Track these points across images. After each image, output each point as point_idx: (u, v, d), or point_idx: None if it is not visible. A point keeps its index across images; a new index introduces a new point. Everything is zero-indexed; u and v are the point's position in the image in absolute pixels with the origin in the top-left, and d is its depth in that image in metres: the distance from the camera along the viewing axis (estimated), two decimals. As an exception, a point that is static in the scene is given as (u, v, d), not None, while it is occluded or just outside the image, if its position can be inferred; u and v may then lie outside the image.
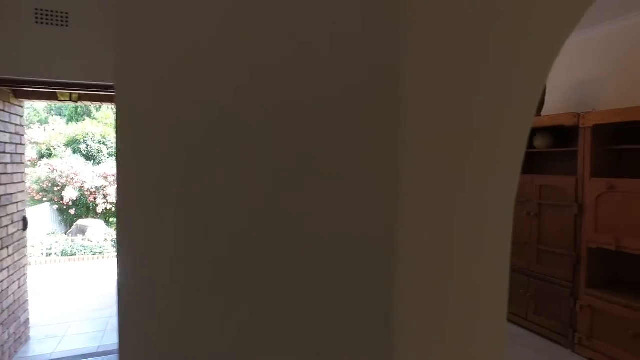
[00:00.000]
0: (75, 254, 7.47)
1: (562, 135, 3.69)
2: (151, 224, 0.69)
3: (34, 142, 10.57)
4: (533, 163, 4.18)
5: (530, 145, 3.95)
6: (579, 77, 3.78)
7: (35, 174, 9.74)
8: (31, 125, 11.27)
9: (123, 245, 0.72)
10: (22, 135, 3.47)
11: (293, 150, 0.57)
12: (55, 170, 9.69)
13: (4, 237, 3.09)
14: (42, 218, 8.98)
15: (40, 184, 9.68)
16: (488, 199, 0.65)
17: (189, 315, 0.67)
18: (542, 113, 3.80)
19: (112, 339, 3.71)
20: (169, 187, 0.67)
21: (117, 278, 0.73)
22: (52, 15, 2.68)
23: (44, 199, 9.71)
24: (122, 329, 0.69)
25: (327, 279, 0.57)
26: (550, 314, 3.57)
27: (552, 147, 3.78)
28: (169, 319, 0.68)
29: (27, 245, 3.58)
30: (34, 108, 12.44)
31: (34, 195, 9.57)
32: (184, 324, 0.67)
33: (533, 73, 0.64)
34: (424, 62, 0.52)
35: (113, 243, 8.05)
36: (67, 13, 2.71)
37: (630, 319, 2.93)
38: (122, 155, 0.71)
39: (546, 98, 4.00)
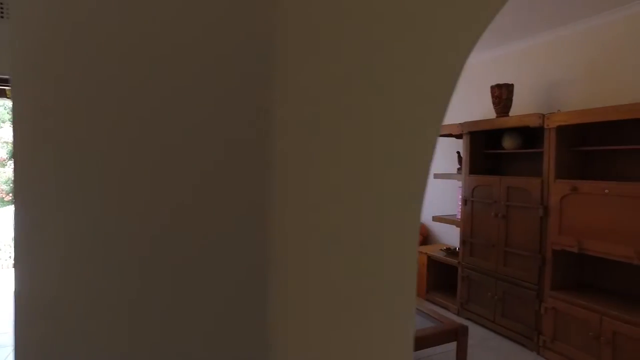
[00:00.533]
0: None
1: (531, 135, 3.68)
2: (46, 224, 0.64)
3: (4, 142, 10.25)
4: (502, 164, 4.17)
5: (499, 145, 3.94)
6: (548, 78, 3.77)
7: (4, 174, 9.43)
8: (2, 124, 10.93)
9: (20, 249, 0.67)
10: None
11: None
12: (25, 171, 9.37)
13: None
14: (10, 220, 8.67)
15: (10, 185, 9.37)
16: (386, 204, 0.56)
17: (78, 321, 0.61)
18: (510, 114, 3.78)
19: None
20: (63, 189, 0.61)
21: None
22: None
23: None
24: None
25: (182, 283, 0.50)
26: (517, 316, 3.54)
27: (521, 147, 3.76)
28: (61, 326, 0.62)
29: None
30: (6, 106, 12.06)
31: (3, 196, 9.26)
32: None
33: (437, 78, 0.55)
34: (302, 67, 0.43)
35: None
36: None
37: (590, 321, 2.91)
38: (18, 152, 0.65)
39: (516, 98, 3.99)
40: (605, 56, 3.29)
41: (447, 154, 4.58)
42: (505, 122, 3.62)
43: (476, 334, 3.77)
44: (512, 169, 4.06)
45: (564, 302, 3.12)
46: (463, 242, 4.12)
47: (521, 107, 3.94)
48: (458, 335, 2.85)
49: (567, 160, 3.27)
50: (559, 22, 3.49)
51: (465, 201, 4.09)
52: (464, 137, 4.12)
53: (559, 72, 3.66)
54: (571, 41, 3.57)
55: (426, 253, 4.61)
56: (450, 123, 4.28)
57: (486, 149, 4.08)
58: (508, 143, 3.83)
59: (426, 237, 5.29)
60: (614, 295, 3.07)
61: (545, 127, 3.25)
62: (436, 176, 4.63)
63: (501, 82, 3.77)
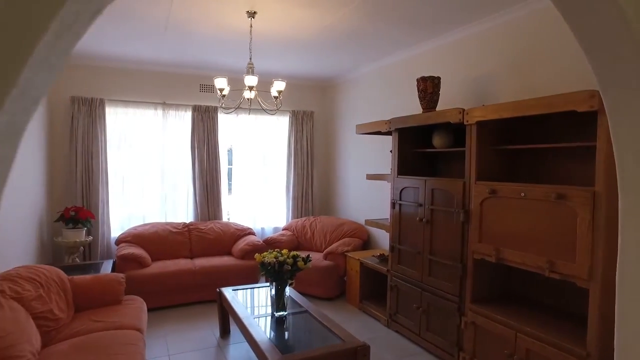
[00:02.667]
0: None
1: (462, 133, 3.37)
2: None
3: None
4: (438, 164, 3.87)
5: (429, 144, 3.63)
6: (477, 72, 3.48)
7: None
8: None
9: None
10: None
11: None
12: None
13: None
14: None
15: None
16: None
17: None
18: (438, 109, 3.48)
19: None
20: None
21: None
22: None
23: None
24: None
25: None
26: (440, 330, 3.24)
27: (453, 146, 3.46)
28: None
29: None
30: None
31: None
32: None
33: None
34: None
35: None
36: None
37: (506, 337, 2.62)
38: None
39: (446, 94, 3.69)
40: (530, 47, 3.01)
41: (386, 154, 4.26)
42: (428, 118, 3.31)
43: (401, 347, 3.46)
44: (446, 170, 3.77)
45: (482, 317, 2.83)
46: (391, 248, 3.81)
47: (451, 102, 3.64)
48: (357, 356, 2.52)
49: (491, 160, 2.97)
50: (485, 13, 3.20)
51: (393, 204, 3.78)
52: (393, 134, 3.81)
53: (488, 65, 3.37)
54: (497, 33, 3.28)
55: (359, 259, 4.28)
56: (380, 120, 3.97)
57: (417, 148, 3.77)
58: (437, 141, 3.53)
59: (366, 242, 4.97)
60: (536, 308, 2.79)
61: (465, 123, 2.95)
62: (369, 177, 4.32)
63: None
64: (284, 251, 3.15)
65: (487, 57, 3.38)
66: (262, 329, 2.82)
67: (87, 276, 3.29)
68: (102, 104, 4.67)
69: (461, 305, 3.03)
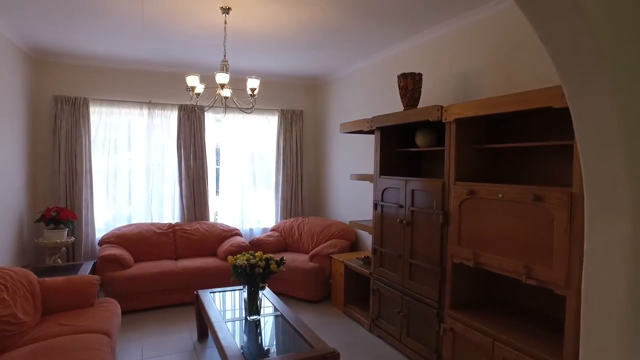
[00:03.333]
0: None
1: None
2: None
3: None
4: (422, 164, 3.75)
5: (413, 143, 3.52)
6: (464, 68, 3.35)
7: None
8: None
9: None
10: None
11: None
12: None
13: None
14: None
15: None
16: None
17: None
18: (420, 107, 3.36)
19: None
20: None
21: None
22: None
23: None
24: None
25: None
26: (420, 336, 3.12)
27: (436, 145, 3.34)
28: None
29: None
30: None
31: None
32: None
33: None
34: None
35: None
36: None
37: (483, 345, 2.50)
38: None
39: (429, 91, 3.57)
40: (522, 41, 2.88)
41: (371, 154, 4.15)
42: (407, 116, 3.20)
43: (381, 353, 3.35)
44: (431, 170, 3.65)
45: (461, 323, 2.71)
46: (374, 250, 3.69)
47: (436, 100, 3.52)
48: (326, 364, 2.42)
49: (472, 160, 2.85)
50: (468, 6, 3.07)
51: (375, 205, 3.67)
52: (375, 133, 3.70)
53: (475, 60, 3.24)
54: (485, 27, 3.16)
55: (343, 262, 4.18)
56: (363, 118, 3.86)
57: (400, 147, 3.66)
58: (420, 140, 3.41)
59: (353, 243, 4.87)
60: (517, 314, 2.66)
61: (444, 120, 2.83)
62: (353, 177, 4.21)
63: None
64: (257, 253, 3.06)
65: (474, 52, 3.25)
66: (231, 333, 2.73)
67: (59, 278, 3.23)
68: (85, 103, 4.63)
69: (440, 311, 2.91)
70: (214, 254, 4.83)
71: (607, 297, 1.38)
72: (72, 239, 4.37)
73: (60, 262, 4.24)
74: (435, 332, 2.94)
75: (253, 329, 2.90)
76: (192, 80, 3.08)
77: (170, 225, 4.90)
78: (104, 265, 4.09)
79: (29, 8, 3.17)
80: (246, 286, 2.97)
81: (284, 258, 3.08)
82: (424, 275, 3.08)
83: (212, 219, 5.36)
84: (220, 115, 5.38)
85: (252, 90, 3.25)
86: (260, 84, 5.53)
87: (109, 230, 4.69)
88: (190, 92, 3.14)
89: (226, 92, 3.36)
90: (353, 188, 5.02)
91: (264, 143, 5.67)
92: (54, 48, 4.26)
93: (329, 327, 3.86)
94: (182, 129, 5.07)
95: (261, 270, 2.89)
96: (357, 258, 4.17)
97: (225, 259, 4.61)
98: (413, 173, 3.72)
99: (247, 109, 3.49)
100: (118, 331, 3.18)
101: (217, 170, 5.52)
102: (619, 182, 1.36)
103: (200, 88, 3.25)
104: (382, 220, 3.59)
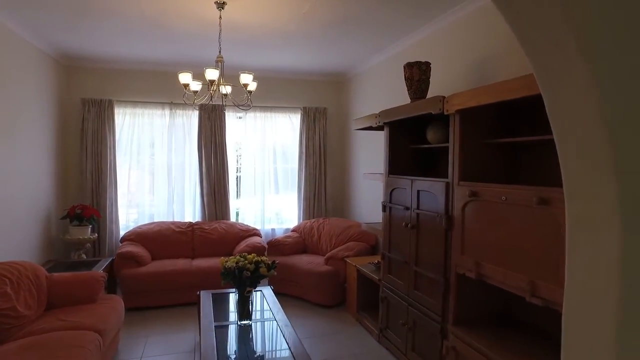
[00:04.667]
0: None
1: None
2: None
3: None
4: (430, 162, 3.41)
5: (424, 139, 3.20)
6: (478, 54, 2.99)
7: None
8: None
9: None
10: None
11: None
12: None
13: None
14: None
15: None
16: None
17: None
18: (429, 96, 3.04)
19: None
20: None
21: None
22: None
23: None
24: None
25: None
26: (424, 352, 2.82)
27: (447, 140, 3.01)
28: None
29: None
30: None
31: None
32: None
33: None
34: None
35: None
36: None
37: (483, 373, 2.17)
38: None
39: (440, 81, 3.24)
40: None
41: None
42: (411, 109, 2.90)
43: (386, 368, 3.09)
44: (444, 169, 3.30)
45: (463, 342, 2.38)
46: (382, 255, 3.43)
47: (446, 92, 3.18)
48: (303, 379, 2.23)
49: (479, 157, 2.51)
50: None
51: (384, 206, 3.40)
52: (385, 129, 3.43)
53: (487, 45, 2.87)
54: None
55: (356, 266, 3.94)
56: (372, 113, 3.60)
57: (412, 144, 3.36)
58: (431, 136, 3.09)
59: (374, 246, 4.60)
60: (526, 332, 2.29)
61: (446, 112, 2.52)
62: (366, 176, 3.96)
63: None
64: (250, 256, 2.94)
65: (492, 35, 2.88)
66: (214, 338, 2.63)
67: (67, 274, 3.34)
68: (110, 105, 4.81)
69: (444, 327, 2.60)
70: (230, 254, 4.79)
71: (591, 325, 1.09)
72: (96, 235, 4.55)
73: (85, 257, 4.44)
74: (437, 349, 2.64)
75: (240, 334, 2.78)
76: (185, 78, 3.03)
77: (190, 224, 4.95)
78: (120, 262, 4.21)
79: (51, 16, 3.30)
80: (237, 290, 2.86)
81: (276, 262, 2.94)
82: (429, 285, 2.78)
83: (233, 219, 5.35)
84: (242, 114, 5.36)
85: (245, 86, 3.12)
86: (282, 81, 5.49)
87: (131, 228, 4.83)
88: (185, 90, 3.10)
89: (225, 89, 3.28)
90: (376, 188, 4.75)
91: (286, 141, 5.57)
92: (79, 53, 4.47)
93: (337, 335, 3.66)
94: (203, 129, 5.11)
95: (249, 274, 2.76)
96: (370, 263, 3.92)
97: (239, 259, 4.56)
98: (427, 172, 3.39)
99: (244, 106, 3.38)
100: (118, 328, 3.23)
101: (239, 169, 5.50)
102: (604, 185, 1.06)
103: (196, 85, 3.20)
104: (390, 223, 3.32)
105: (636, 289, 0.99)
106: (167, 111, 5.07)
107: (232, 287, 4.05)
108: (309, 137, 5.49)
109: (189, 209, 5.22)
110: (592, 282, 1.08)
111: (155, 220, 5.08)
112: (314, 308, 4.29)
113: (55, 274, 3.28)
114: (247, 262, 2.84)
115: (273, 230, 5.53)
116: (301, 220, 5.52)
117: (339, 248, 4.48)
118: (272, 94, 5.41)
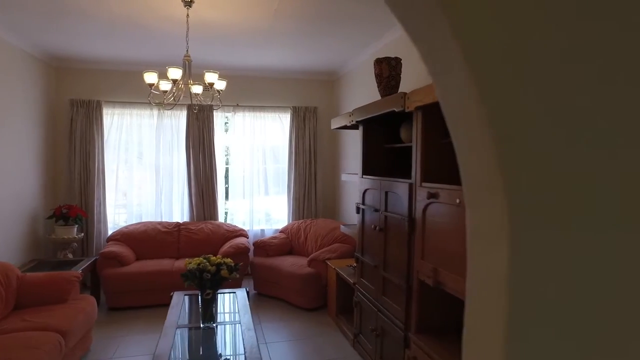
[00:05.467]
0: None
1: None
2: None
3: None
4: (401, 161, 3.27)
5: (399, 138, 3.08)
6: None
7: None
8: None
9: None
10: None
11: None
12: None
13: None
14: None
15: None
16: None
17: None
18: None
19: None
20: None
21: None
22: None
23: None
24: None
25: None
26: (391, 361, 2.71)
27: (421, 141, 2.88)
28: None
29: None
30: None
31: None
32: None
33: None
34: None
35: None
36: None
37: (437, 387, 2.05)
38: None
39: (414, 78, 3.11)
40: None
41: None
42: (376, 107, 2.79)
43: (356, 376, 2.99)
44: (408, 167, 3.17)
45: (423, 352, 2.26)
46: (356, 259, 3.32)
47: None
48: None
49: (441, 157, 2.38)
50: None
51: (357, 209, 3.29)
52: (359, 127, 3.32)
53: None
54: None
55: (335, 268, 3.84)
56: (347, 112, 3.50)
57: (387, 143, 3.24)
58: (404, 134, 2.97)
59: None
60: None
61: (406, 109, 2.40)
62: (346, 177, 3.85)
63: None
64: (213, 258, 2.89)
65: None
66: (171, 341, 2.59)
67: (40, 274, 3.36)
68: (99, 105, 4.84)
69: (406, 335, 2.48)
70: (215, 254, 4.76)
71: (484, 340, 0.98)
72: (82, 235, 4.59)
73: (72, 257, 4.48)
74: (401, 358, 2.52)
75: (200, 338, 2.73)
76: (150, 78, 2.99)
77: (177, 225, 4.94)
78: (103, 262, 4.22)
79: (30, 18, 3.33)
80: (200, 292, 2.81)
81: (239, 264, 2.88)
82: (395, 291, 2.66)
83: (221, 219, 5.32)
84: (230, 114, 5.33)
85: (211, 85, 3.07)
86: (271, 80, 5.43)
87: (118, 228, 4.86)
88: (150, 90, 3.06)
89: (197, 89, 3.23)
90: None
91: (276, 141, 5.50)
92: (66, 54, 4.51)
93: (315, 339, 3.57)
94: (191, 129, 5.10)
95: (209, 276, 2.71)
96: (349, 265, 3.81)
97: (223, 260, 4.52)
98: (403, 173, 3.26)
99: (215, 105, 3.32)
100: (89, 328, 3.21)
101: (227, 170, 5.47)
102: (495, 191, 0.95)
103: (165, 85, 3.16)
104: (363, 226, 3.21)
105: (521, 308, 0.88)
106: (155, 112, 5.08)
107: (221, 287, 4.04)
108: (298, 137, 5.41)
109: (177, 210, 5.22)
110: (485, 296, 0.97)
111: (144, 220, 5.09)
112: (296, 310, 4.21)
113: (29, 274, 3.30)
114: (208, 264, 2.78)
115: (262, 231, 5.48)
116: (291, 221, 5.45)
117: (322, 250, 4.39)
118: (261, 93, 5.36)
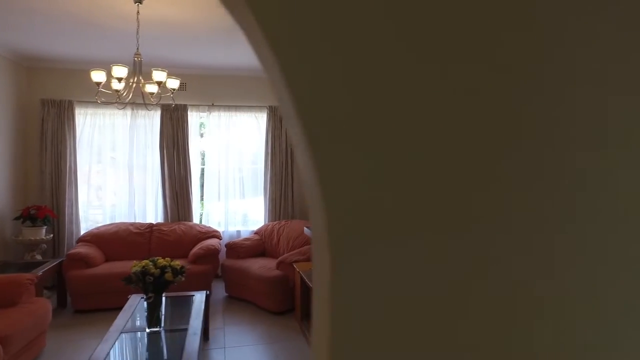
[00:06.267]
0: None
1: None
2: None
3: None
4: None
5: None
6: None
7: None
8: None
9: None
10: None
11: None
12: None
13: None
14: None
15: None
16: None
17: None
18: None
19: None
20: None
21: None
22: None
23: None
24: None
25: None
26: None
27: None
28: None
29: None
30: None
31: None
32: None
33: None
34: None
35: None
36: None
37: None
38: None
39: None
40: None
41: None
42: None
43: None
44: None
45: None
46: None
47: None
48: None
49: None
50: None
51: (315, 209, 3.19)
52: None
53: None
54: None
55: (299, 271, 3.75)
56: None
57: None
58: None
59: (329, 251, 4.38)
60: None
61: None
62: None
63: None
64: (160, 260, 2.81)
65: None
66: (110, 346, 2.51)
67: (-8, 276, 3.31)
68: (71, 105, 4.80)
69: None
70: (186, 256, 4.70)
71: (319, 342, 0.89)
72: (51, 236, 4.55)
73: (41, 258, 4.43)
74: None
75: (141, 343, 2.65)
76: (98, 76, 2.93)
77: (150, 226, 4.88)
78: (69, 263, 4.17)
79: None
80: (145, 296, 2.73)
81: (184, 267, 2.80)
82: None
83: (197, 220, 5.26)
84: (204, 114, 5.27)
85: (159, 83, 3.00)
86: (248, 79, 5.35)
87: (90, 229, 4.81)
88: (99, 88, 3.00)
89: (152, 88, 3.17)
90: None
91: (252, 141, 5.43)
92: (36, 54, 4.49)
93: (276, 344, 3.48)
94: (165, 129, 5.04)
95: (152, 279, 2.63)
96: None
97: (193, 261, 4.45)
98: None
99: (152, 104, 3.26)
100: (38, 334, 3.14)
101: (203, 170, 5.41)
102: (317, 198, 0.86)
103: (118, 85, 3.10)
104: (319, 227, 3.11)
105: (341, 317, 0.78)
106: (128, 111, 5.03)
107: (189, 289, 3.97)
108: (275, 137, 5.33)
109: (151, 210, 5.16)
110: (317, 301, 0.88)
111: (117, 221, 5.04)
112: (264, 314, 4.12)
113: (-20, 276, 3.25)
114: (153, 266, 2.70)
115: (239, 232, 5.40)
116: (267, 222, 5.36)
117: (291, 252, 4.30)
118: (237, 92, 5.30)
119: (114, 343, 2.58)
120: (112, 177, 5.11)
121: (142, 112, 5.07)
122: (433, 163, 0.65)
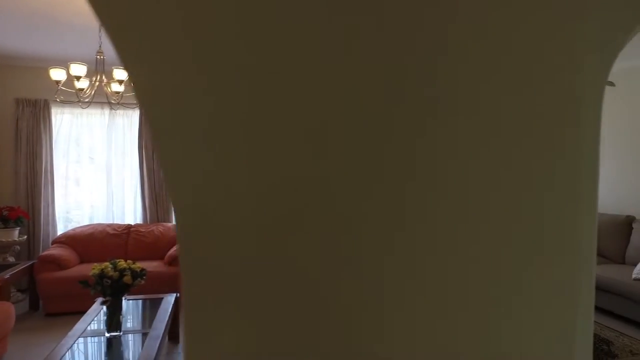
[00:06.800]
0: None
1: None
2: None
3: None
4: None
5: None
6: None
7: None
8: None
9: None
10: None
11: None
12: None
13: None
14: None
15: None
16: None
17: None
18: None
19: None
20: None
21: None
22: None
23: None
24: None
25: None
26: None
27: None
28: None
29: None
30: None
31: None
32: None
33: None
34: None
35: None
36: None
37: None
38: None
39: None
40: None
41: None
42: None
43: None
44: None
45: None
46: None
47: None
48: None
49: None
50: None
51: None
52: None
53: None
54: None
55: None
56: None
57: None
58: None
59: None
60: None
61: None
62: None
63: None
64: (121, 263, 2.73)
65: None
66: (64, 351, 2.43)
67: (-45, 278, 3.23)
68: (47, 105, 4.73)
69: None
70: (162, 258, 4.62)
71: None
72: (25, 237, 4.47)
73: (14, 260, 4.35)
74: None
75: (98, 348, 2.57)
76: (57, 74, 2.86)
77: (127, 227, 4.81)
78: (40, 265, 4.09)
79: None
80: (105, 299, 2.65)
81: (145, 270, 2.71)
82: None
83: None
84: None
85: (120, 82, 2.93)
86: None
87: (66, 230, 4.73)
88: (58, 87, 2.93)
89: (117, 87, 3.09)
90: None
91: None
92: (9, 52, 4.41)
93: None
94: (144, 129, 4.97)
95: (109, 282, 2.55)
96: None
97: (168, 263, 4.38)
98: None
99: (115, 104, 3.19)
100: (3, 335, 3.08)
101: (183, 171, 5.33)
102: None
103: (83, 83, 3.03)
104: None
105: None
106: (106, 111, 4.96)
107: (164, 292, 3.89)
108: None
109: (129, 211, 5.09)
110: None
111: (95, 222, 4.97)
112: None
113: (-57, 279, 3.17)
114: (112, 269, 2.63)
115: (220, 233, 5.32)
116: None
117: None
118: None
119: (70, 348, 2.50)
120: (90, 178, 5.04)
121: (120, 112, 4.99)
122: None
